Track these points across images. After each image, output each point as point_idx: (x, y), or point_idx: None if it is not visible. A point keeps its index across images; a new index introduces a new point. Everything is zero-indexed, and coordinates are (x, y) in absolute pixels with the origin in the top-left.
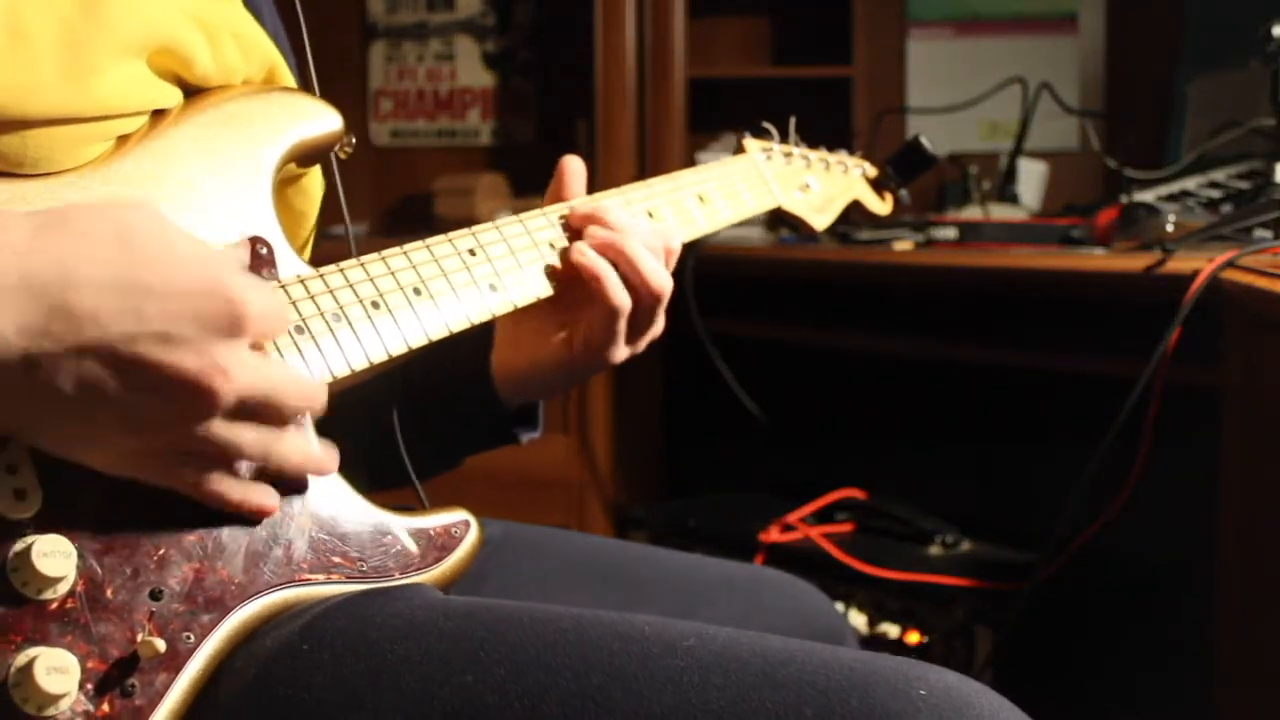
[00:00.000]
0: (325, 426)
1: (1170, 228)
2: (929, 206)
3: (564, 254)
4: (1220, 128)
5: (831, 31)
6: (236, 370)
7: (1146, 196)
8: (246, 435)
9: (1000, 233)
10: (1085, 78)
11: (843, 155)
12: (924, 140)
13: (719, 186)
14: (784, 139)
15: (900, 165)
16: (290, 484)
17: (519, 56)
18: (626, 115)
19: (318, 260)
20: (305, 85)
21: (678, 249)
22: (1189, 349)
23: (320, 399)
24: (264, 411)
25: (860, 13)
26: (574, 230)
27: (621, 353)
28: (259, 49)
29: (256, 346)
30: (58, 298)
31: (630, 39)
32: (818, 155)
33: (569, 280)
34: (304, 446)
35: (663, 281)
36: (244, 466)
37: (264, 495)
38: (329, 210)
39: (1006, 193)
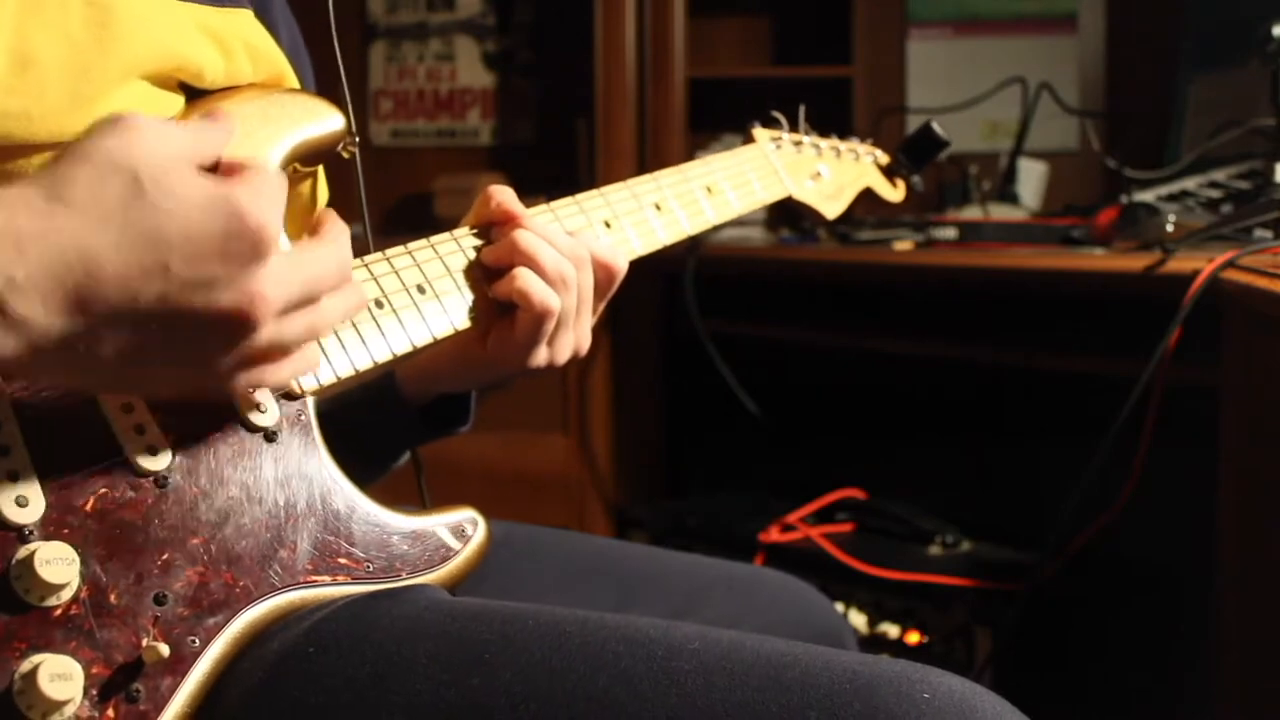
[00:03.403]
0: None
1: (1170, 228)
2: (929, 206)
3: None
4: (1220, 128)
5: (831, 31)
6: (271, 289)
7: (1146, 196)
8: (291, 331)
9: (1000, 233)
10: (1085, 78)
11: (854, 143)
12: (935, 126)
13: (727, 177)
14: (793, 128)
15: (912, 151)
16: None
17: (519, 56)
18: (626, 115)
19: None
20: (332, 91)
21: (616, 264)
22: (1189, 349)
23: (350, 266)
24: (306, 303)
25: (860, 13)
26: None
27: (541, 356)
28: (268, 58)
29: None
30: (81, 272)
31: (630, 39)
32: (828, 143)
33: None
34: (342, 304)
35: (545, 300)
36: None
37: (308, 360)
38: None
39: (1006, 193)
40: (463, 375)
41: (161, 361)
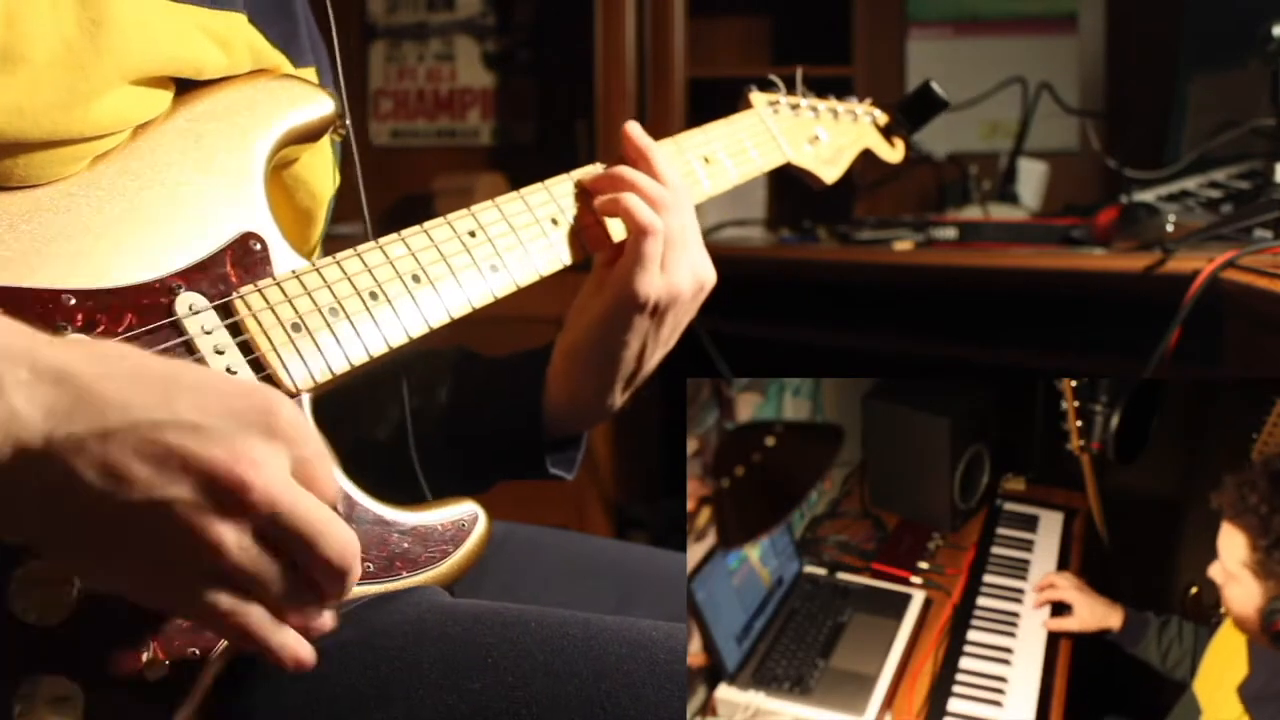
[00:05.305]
0: (346, 428)
1: (1170, 228)
2: (929, 206)
3: (574, 220)
4: (1220, 128)
5: (831, 31)
6: (270, 470)
7: (1146, 196)
8: (274, 570)
9: (1000, 233)
10: (1085, 78)
11: (851, 102)
12: (935, 85)
13: (724, 146)
14: (790, 90)
15: (911, 111)
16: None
17: (519, 56)
18: (626, 115)
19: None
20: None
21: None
22: (1189, 349)
23: (357, 567)
24: (300, 545)
25: (860, 13)
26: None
27: (655, 280)
28: (269, 59)
29: (300, 477)
30: (88, 385)
31: (630, 39)
32: (826, 105)
33: (579, 248)
34: (327, 616)
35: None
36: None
37: (301, 645)
38: (335, 208)
39: (1006, 193)
40: (598, 353)
41: (137, 510)
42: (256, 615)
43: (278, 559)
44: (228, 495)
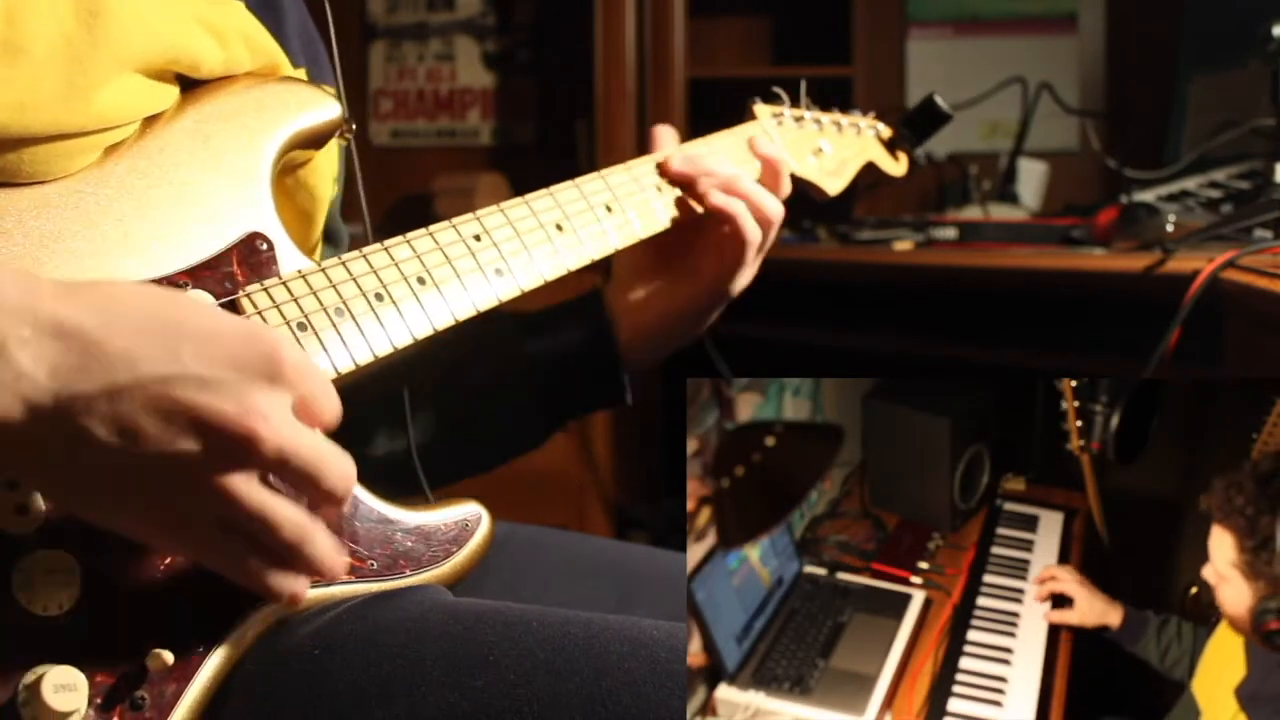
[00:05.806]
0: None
1: (1170, 228)
2: (929, 206)
3: (580, 227)
4: (1220, 128)
5: (831, 31)
6: (277, 420)
7: (1146, 196)
8: (285, 511)
9: (1000, 233)
10: (1085, 78)
11: (855, 116)
12: (938, 98)
13: (731, 156)
14: (794, 103)
15: (915, 124)
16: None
17: (519, 56)
18: (626, 115)
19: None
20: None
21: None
22: (1189, 349)
23: (353, 482)
24: (304, 482)
25: (860, 13)
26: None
27: (746, 278)
28: (264, 49)
29: (302, 415)
30: (92, 340)
31: (630, 39)
32: (830, 118)
33: (583, 253)
34: (333, 545)
35: (776, 209)
36: (276, 554)
37: (297, 584)
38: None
39: (1006, 193)
40: (678, 330)
41: (148, 464)
42: (257, 561)
43: (286, 501)
44: (236, 448)
